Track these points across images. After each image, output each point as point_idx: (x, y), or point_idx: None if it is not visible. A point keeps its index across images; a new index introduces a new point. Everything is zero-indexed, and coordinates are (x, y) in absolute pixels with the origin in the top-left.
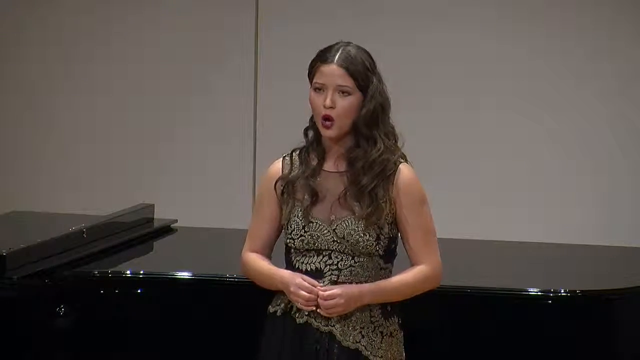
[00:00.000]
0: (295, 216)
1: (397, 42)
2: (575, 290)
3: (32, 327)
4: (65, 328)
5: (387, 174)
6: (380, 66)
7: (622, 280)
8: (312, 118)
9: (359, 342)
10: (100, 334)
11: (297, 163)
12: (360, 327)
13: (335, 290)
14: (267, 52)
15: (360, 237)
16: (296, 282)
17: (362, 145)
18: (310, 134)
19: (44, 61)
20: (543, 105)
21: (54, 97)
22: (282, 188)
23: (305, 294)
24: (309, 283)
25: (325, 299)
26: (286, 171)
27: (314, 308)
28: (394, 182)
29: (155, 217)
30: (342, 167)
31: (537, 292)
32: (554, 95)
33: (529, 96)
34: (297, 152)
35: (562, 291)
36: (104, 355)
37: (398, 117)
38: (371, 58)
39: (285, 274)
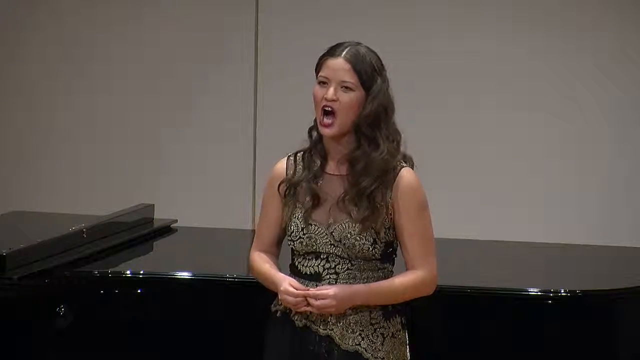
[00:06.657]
0: (296, 218)
1: (397, 42)
2: (575, 290)
3: (32, 327)
4: (65, 328)
5: (387, 177)
6: None
7: (622, 280)
8: (316, 119)
9: (359, 344)
10: (100, 334)
11: (301, 165)
12: (360, 330)
13: (329, 291)
14: (267, 52)
15: (357, 240)
16: (281, 290)
17: (364, 146)
18: (314, 134)
19: (44, 61)
20: (543, 105)
21: (54, 97)
22: (285, 190)
23: (292, 298)
24: (294, 287)
25: (317, 298)
26: (290, 172)
27: (307, 309)
28: (394, 186)
29: (155, 217)
30: (344, 170)
31: (537, 292)
32: (553, 95)
33: (528, 96)
34: (301, 154)
35: (562, 291)
36: (104, 355)
37: (398, 117)
38: (380, 60)
39: (276, 278)
